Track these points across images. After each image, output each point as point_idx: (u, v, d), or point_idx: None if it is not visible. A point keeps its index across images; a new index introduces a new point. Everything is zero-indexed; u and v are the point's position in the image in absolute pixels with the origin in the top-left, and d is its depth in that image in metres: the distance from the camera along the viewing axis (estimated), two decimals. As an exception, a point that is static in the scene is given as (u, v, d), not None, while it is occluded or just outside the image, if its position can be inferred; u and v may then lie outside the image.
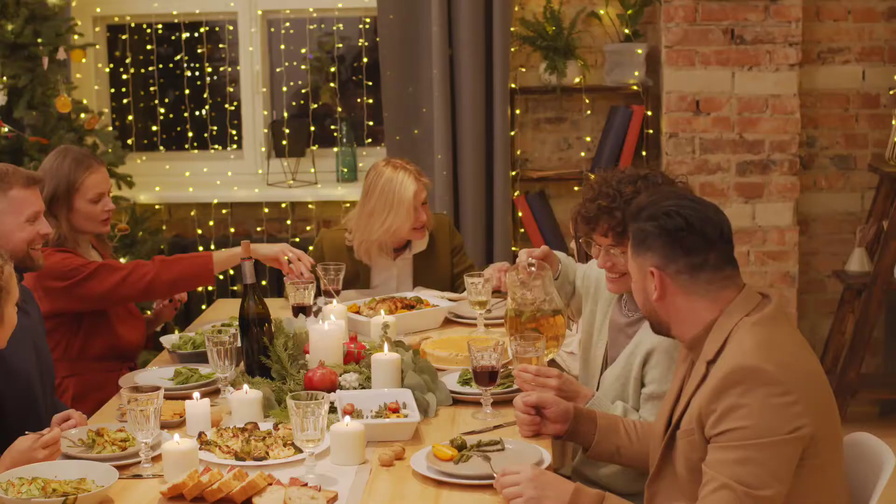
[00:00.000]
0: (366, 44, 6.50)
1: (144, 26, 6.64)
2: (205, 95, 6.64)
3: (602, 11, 6.19)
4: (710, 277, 2.83)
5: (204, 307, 6.16)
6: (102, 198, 4.41)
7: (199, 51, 6.63)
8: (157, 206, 6.50)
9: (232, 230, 6.51)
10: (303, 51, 6.57)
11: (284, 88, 6.57)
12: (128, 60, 6.63)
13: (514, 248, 6.16)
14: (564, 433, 3.26)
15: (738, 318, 2.79)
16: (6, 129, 5.57)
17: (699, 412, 2.75)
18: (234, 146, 6.68)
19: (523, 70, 6.29)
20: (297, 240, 6.38)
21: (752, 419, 2.65)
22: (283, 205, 6.47)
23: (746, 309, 2.80)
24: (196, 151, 6.70)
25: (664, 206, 2.87)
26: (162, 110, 6.66)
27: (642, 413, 3.42)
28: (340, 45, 6.61)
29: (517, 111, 6.29)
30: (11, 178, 3.83)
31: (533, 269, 3.74)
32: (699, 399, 2.76)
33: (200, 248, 6.42)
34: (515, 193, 6.26)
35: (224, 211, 6.50)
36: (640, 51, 6.08)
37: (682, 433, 2.83)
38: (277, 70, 6.59)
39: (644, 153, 6.11)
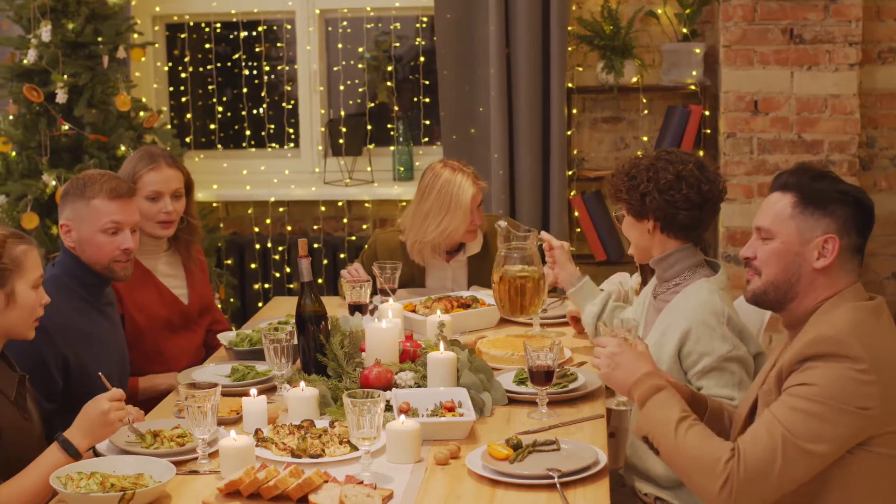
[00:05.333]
0: (423, 43, 6.51)
1: (203, 25, 6.68)
2: (262, 94, 6.67)
3: (660, 11, 6.15)
4: (860, 263, 2.89)
5: (260, 305, 6.19)
6: (160, 198, 4.32)
7: (257, 49, 6.66)
8: (214, 204, 6.54)
9: (289, 228, 6.54)
10: (360, 50, 6.59)
11: (342, 87, 6.59)
12: (186, 59, 6.68)
13: (570, 249, 6.12)
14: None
15: (846, 305, 2.82)
16: (66, 127, 5.62)
17: (780, 371, 2.78)
18: (292, 145, 6.71)
19: (580, 69, 6.27)
20: (353, 238, 6.40)
21: (825, 381, 2.68)
22: (340, 203, 6.50)
23: (855, 299, 2.84)
24: (253, 150, 6.74)
25: (844, 182, 2.90)
26: (220, 109, 6.71)
27: (705, 386, 3.42)
28: (397, 45, 6.62)
29: (574, 110, 6.27)
30: (97, 188, 3.83)
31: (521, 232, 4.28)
32: (783, 358, 2.79)
33: (257, 247, 6.46)
34: (572, 193, 6.24)
35: (281, 209, 6.53)
36: (697, 50, 6.05)
37: (763, 392, 2.85)
38: (335, 69, 6.61)
39: (701, 153, 6.07)
